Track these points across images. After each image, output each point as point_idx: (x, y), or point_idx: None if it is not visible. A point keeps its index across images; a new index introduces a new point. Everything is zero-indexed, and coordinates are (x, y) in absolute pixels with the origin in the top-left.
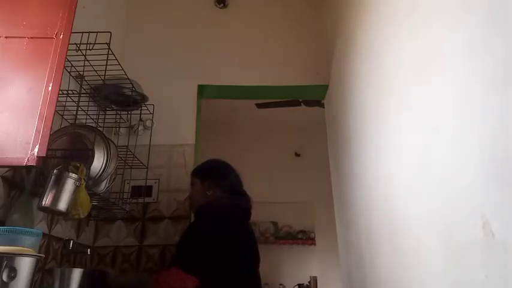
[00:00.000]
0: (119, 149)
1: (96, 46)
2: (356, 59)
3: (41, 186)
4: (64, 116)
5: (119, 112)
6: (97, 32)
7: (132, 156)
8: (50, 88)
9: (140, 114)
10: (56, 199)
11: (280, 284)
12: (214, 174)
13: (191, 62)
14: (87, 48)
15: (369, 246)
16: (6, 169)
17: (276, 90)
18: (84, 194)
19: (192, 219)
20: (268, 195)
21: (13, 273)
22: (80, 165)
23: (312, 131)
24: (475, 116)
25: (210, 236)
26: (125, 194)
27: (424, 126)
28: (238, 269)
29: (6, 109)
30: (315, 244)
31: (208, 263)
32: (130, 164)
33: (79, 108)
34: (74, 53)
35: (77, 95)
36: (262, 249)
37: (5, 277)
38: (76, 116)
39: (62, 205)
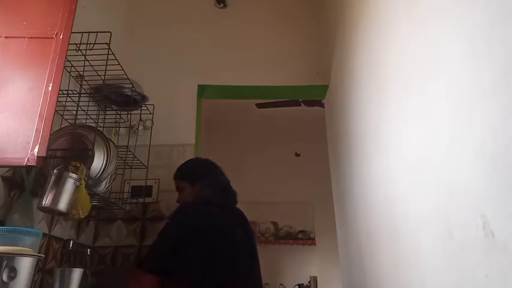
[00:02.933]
0: (118, 149)
1: (96, 46)
2: (356, 59)
3: (41, 186)
4: (64, 116)
5: (119, 112)
6: (97, 32)
7: (132, 156)
8: (50, 88)
9: (140, 114)
10: (56, 199)
11: (280, 284)
12: (203, 175)
13: (191, 62)
14: (87, 48)
15: (368, 246)
16: (6, 169)
17: (276, 90)
18: (84, 194)
19: None
20: (268, 195)
21: (13, 273)
22: (80, 165)
23: (312, 131)
24: (475, 116)
25: (168, 234)
26: (125, 194)
27: (424, 126)
28: (199, 263)
29: (6, 109)
30: (315, 244)
31: (167, 260)
32: (131, 164)
33: (79, 108)
34: (74, 53)
35: (77, 95)
36: (262, 249)
37: (5, 277)
38: (76, 116)
39: (62, 205)
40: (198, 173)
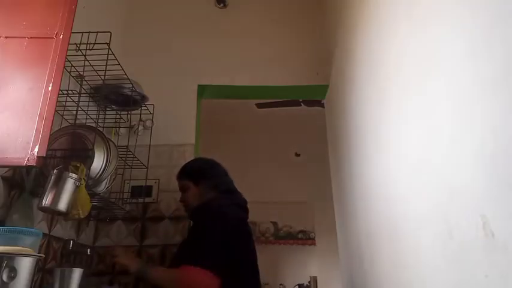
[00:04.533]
0: (118, 149)
1: (96, 46)
2: (356, 59)
3: (41, 186)
4: (64, 116)
5: (119, 112)
6: (97, 32)
7: (132, 156)
8: (50, 88)
9: (140, 114)
10: (56, 199)
11: (280, 284)
12: (208, 175)
13: (191, 62)
14: (87, 48)
15: (368, 246)
16: (6, 169)
17: (276, 90)
18: (84, 194)
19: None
20: (268, 195)
21: (13, 273)
22: (80, 165)
23: (312, 131)
24: (475, 116)
25: (221, 234)
26: (125, 194)
27: (424, 126)
28: (245, 267)
29: (6, 109)
30: (315, 244)
31: (224, 261)
32: (131, 164)
33: (79, 108)
34: (74, 53)
35: (77, 95)
36: (262, 249)
37: (5, 277)
38: (76, 116)
39: (62, 205)
40: (203, 173)
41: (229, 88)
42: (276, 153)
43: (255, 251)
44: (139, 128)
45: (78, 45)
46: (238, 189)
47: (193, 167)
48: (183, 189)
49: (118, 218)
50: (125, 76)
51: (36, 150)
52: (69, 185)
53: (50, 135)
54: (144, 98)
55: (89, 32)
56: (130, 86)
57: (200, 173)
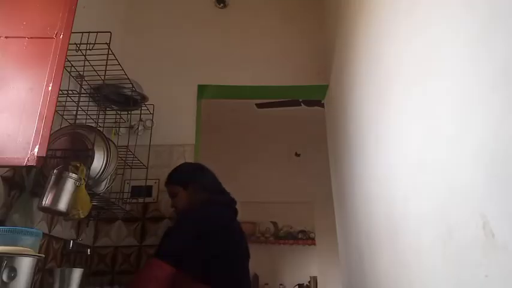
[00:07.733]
0: (118, 149)
1: (96, 46)
2: (356, 59)
3: (41, 186)
4: (64, 116)
5: (119, 112)
6: (97, 32)
7: (132, 156)
8: (50, 88)
9: (140, 114)
10: (56, 199)
11: (280, 284)
12: (195, 178)
13: (191, 62)
14: (87, 48)
15: (368, 246)
16: (6, 169)
17: (276, 90)
18: (84, 194)
19: None
20: (268, 195)
21: (13, 273)
22: (80, 165)
23: (312, 131)
24: (475, 116)
25: (189, 228)
26: (124, 194)
27: (424, 126)
28: (215, 261)
29: (6, 109)
30: (315, 244)
31: (186, 252)
32: (130, 164)
33: (79, 108)
34: (74, 53)
35: (77, 95)
36: (262, 249)
37: (5, 277)
38: (76, 116)
39: (62, 205)
40: (190, 177)
41: (229, 88)
42: (276, 153)
43: (240, 248)
44: (139, 128)
45: (78, 45)
46: (227, 190)
47: (181, 172)
48: (172, 195)
49: (118, 218)
50: (125, 76)
51: (36, 150)
52: (69, 185)
53: (50, 135)
54: (144, 98)
55: (89, 32)
56: (130, 86)
57: (188, 176)
